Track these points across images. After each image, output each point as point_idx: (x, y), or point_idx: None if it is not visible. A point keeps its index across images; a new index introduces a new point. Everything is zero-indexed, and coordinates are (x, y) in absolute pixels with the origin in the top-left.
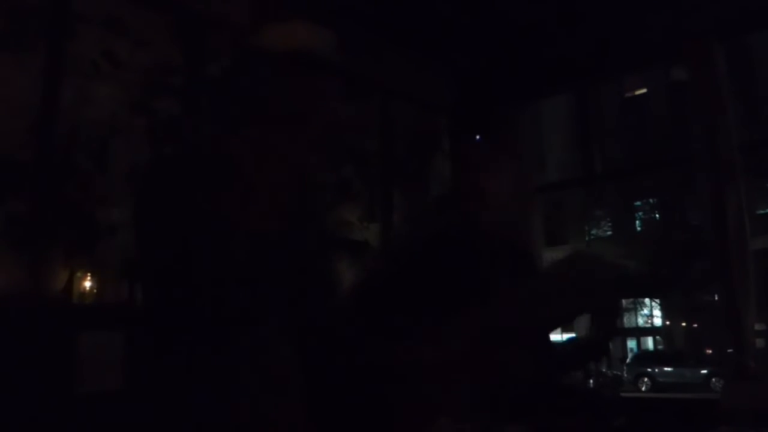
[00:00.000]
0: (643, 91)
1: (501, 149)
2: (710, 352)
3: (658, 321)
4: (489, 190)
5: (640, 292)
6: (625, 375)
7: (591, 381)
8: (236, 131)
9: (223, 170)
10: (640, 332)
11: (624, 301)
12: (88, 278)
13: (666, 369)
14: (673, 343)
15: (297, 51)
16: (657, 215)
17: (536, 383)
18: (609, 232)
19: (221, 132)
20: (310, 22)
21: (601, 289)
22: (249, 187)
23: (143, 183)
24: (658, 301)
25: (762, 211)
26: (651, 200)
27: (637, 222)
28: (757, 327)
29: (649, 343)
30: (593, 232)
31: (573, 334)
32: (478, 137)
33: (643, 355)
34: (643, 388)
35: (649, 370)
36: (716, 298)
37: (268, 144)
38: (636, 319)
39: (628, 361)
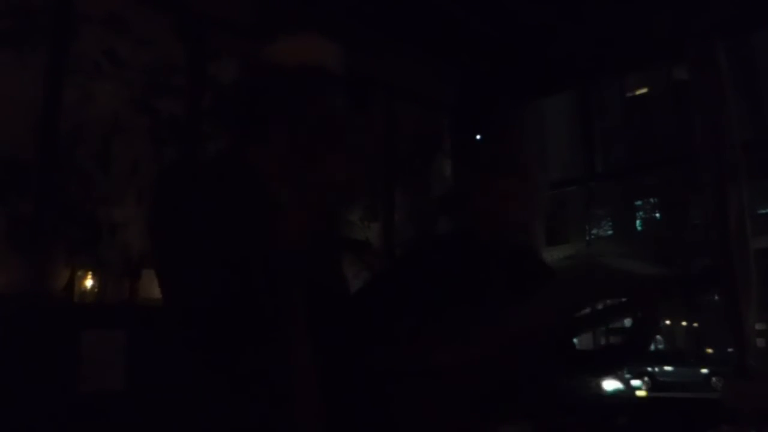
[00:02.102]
0: (645, 90)
1: (509, 150)
2: (711, 351)
3: None
4: (499, 191)
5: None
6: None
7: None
8: (252, 144)
9: (245, 181)
10: None
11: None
12: (90, 277)
13: (666, 368)
14: (673, 343)
15: (306, 65)
16: (658, 215)
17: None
18: (610, 232)
19: (238, 144)
20: (317, 35)
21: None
22: (270, 198)
23: (165, 188)
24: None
25: (763, 211)
26: (652, 199)
27: (638, 221)
28: (758, 326)
29: None
30: (594, 231)
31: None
32: (479, 136)
33: None
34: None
35: (650, 369)
36: (717, 298)
37: (285, 157)
38: None
39: None
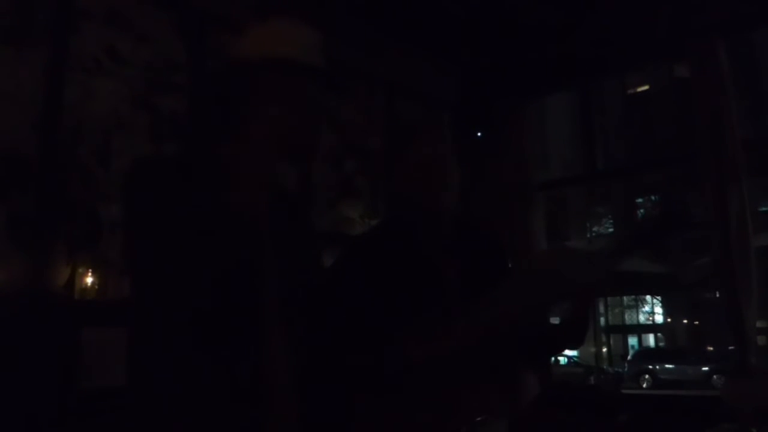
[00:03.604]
0: (646, 88)
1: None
2: (712, 349)
3: (659, 318)
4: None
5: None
6: (626, 372)
7: (592, 378)
8: (225, 136)
9: (216, 172)
10: (641, 329)
11: (625, 298)
12: (91, 274)
13: (667, 366)
14: (674, 340)
15: (275, 56)
16: (659, 212)
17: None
18: (611, 229)
19: (212, 136)
20: (290, 21)
21: (580, 281)
22: (240, 187)
23: (139, 183)
24: (659, 297)
25: (765, 208)
26: (653, 197)
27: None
28: (759, 324)
29: (651, 340)
30: (595, 228)
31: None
32: (480, 134)
33: (644, 352)
34: (645, 385)
35: (651, 367)
36: (718, 295)
37: (255, 147)
38: (637, 316)
39: (629, 358)
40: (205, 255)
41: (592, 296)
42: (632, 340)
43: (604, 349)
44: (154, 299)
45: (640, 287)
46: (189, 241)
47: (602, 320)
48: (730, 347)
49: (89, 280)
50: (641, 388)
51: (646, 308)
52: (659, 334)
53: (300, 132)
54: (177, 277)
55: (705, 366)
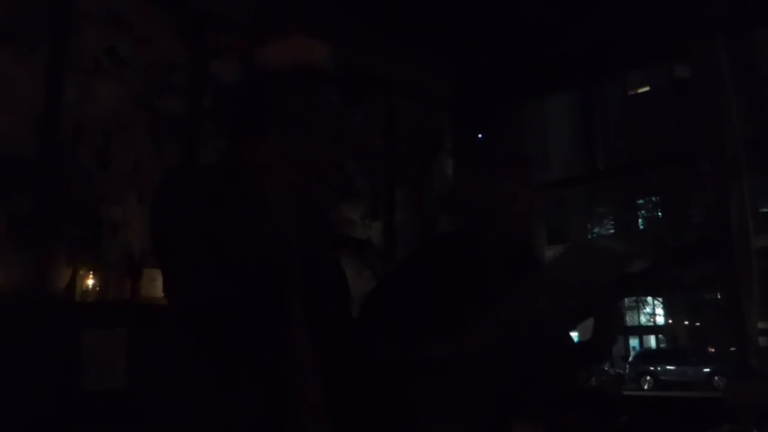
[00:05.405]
0: (646, 89)
1: (508, 148)
2: (713, 350)
3: (660, 319)
4: (502, 191)
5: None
6: (628, 373)
7: (593, 379)
8: (248, 143)
9: (242, 178)
10: (642, 330)
11: (626, 300)
12: (91, 276)
13: (669, 367)
14: (675, 342)
15: (296, 66)
16: (659, 213)
17: (547, 382)
18: (611, 230)
19: (235, 145)
20: (306, 37)
21: (603, 283)
22: (265, 193)
23: (167, 191)
24: (660, 299)
25: (765, 209)
26: (654, 198)
27: (640, 220)
28: (761, 325)
29: (652, 341)
30: (595, 229)
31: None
32: (480, 135)
33: (645, 354)
34: (646, 387)
35: (652, 368)
36: (719, 296)
37: (278, 154)
38: (639, 317)
39: (630, 359)
40: (236, 255)
41: (611, 307)
42: (633, 341)
43: None
44: (189, 302)
45: (641, 288)
46: (220, 246)
47: None
48: (732, 348)
49: (90, 282)
50: (642, 389)
51: (648, 309)
52: (660, 335)
53: (326, 139)
54: (209, 280)
55: (706, 367)
